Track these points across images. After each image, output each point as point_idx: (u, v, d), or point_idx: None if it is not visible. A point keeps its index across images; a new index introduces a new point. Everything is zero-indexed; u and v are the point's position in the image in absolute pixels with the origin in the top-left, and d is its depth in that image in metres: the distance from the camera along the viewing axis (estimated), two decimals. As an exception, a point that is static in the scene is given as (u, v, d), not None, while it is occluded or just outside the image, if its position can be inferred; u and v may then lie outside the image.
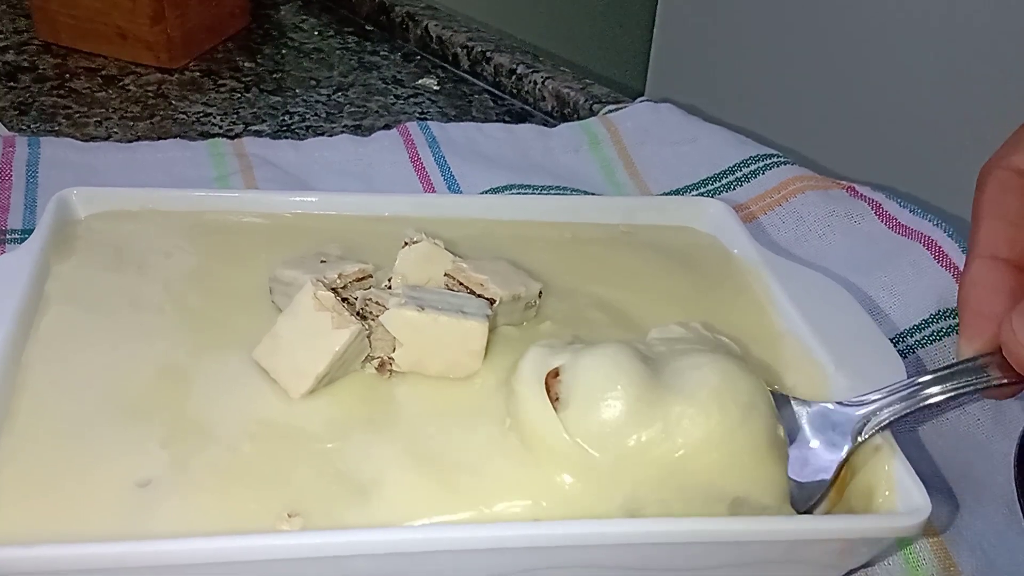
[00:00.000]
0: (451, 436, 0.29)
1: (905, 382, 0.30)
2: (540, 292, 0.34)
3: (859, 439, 0.30)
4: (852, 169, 0.55)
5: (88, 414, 0.29)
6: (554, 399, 0.28)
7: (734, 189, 0.50)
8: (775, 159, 0.51)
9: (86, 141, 0.51)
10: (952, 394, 0.29)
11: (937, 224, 0.45)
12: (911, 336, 0.41)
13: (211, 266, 0.36)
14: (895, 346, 0.37)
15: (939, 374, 0.30)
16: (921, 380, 0.30)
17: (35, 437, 0.28)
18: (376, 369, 0.31)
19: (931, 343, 0.41)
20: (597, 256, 0.38)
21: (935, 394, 0.29)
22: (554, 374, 0.29)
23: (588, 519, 0.27)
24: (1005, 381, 0.29)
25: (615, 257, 0.38)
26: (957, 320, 0.41)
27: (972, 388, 0.29)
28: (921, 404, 0.30)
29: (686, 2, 0.85)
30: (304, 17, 0.70)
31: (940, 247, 0.44)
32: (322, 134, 0.55)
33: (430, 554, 0.26)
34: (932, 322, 0.42)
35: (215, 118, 0.57)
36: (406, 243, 0.34)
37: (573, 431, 0.28)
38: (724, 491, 0.28)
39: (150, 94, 0.58)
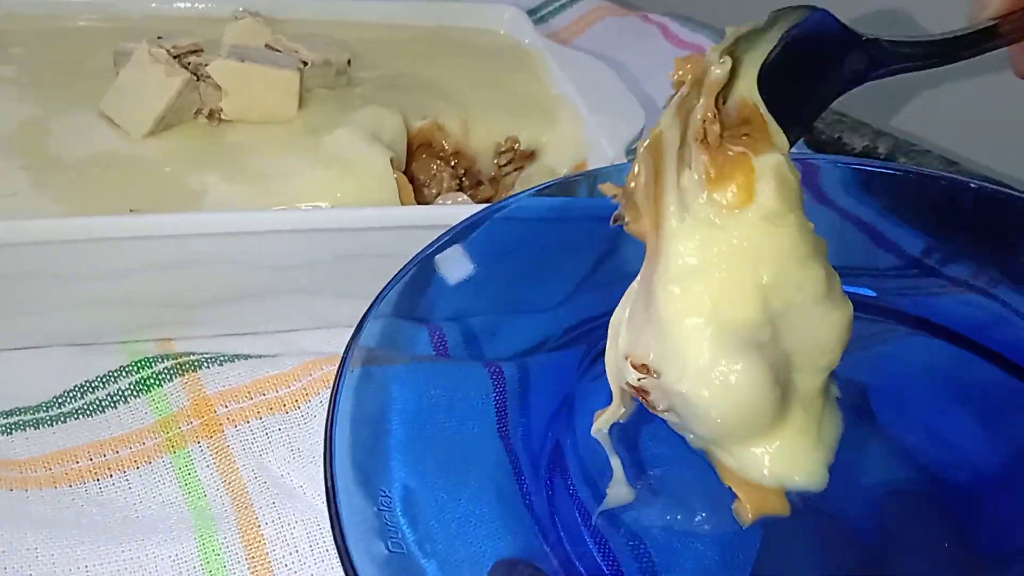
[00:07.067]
0: (269, 160, 0.36)
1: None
2: (349, 61, 0.41)
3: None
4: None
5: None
6: None
7: (552, 19, 0.59)
8: (582, -7, 0.59)
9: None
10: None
11: (708, 36, 0.54)
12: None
13: (64, 53, 0.41)
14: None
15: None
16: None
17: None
18: (207, 118, 0.38)
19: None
20: (408, 45, 0.45)
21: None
22: None
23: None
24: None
25: (424, 46, 0.45)
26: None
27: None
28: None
29: None
30: None
31: (702, 48, 0.54)
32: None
33: (249, 235, 0.33)
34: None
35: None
36: (235, 18, 0.40)
37: None
38: None
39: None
